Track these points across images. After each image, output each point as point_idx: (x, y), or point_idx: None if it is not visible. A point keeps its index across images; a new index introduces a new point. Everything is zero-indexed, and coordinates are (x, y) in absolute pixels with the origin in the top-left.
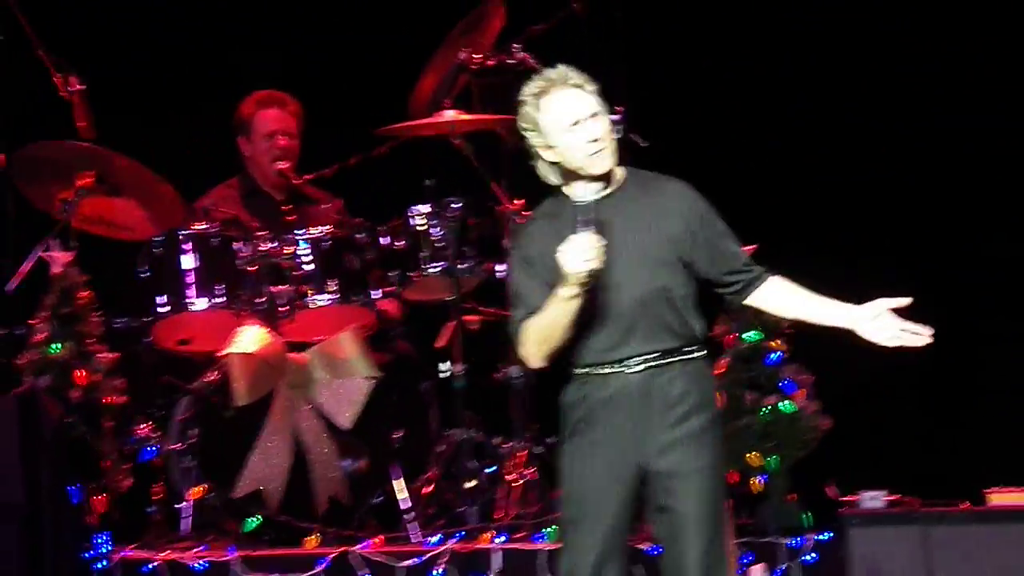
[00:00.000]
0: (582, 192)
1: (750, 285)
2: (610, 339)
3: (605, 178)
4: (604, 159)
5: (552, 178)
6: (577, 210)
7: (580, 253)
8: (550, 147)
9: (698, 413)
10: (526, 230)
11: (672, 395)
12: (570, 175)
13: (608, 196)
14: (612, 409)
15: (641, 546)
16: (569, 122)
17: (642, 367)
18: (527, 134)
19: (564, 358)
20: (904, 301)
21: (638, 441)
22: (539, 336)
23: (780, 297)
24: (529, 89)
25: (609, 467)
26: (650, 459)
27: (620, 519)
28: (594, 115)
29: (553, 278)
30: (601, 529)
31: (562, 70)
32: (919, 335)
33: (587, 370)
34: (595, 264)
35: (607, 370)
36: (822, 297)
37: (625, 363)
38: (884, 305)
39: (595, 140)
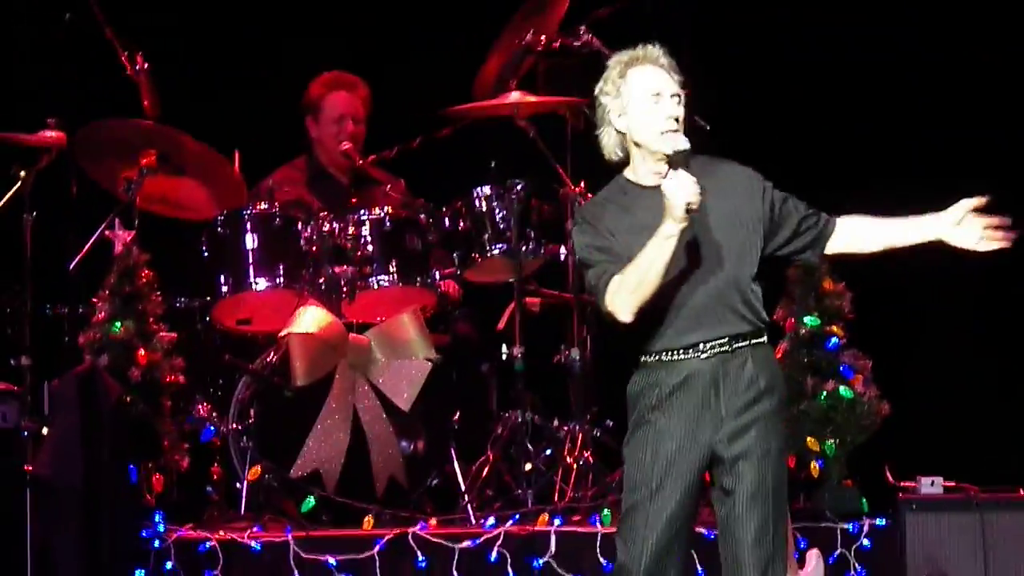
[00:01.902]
0: (673, 142)
1: (822, 234)
2: (682, 325)
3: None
4: (676, 140)
5: (614, 150)
6: (675, 156)
7: (684, 187)
8: (624, 114)
9: (768, 397)
10: (593, 211)
11: (743, 379)
12: (633, 151)
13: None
14: (685, 394)
15: (699, 529)
16: (652, 92)
17: (713, 352)
18: (603, 98)
19: (633, 345)
20: (982, 200)
21: (710, 425)
22: (634, 282)
23: (859, 233)
24: (619, 57)
25: (681, 452)
26: (721, 443)
27: (688, 505)
28: (676, 96)
29: (624, 248)
30: (668, 513)
31: (655, 49)
32: (1003, 231)
33: (658, 357)
34: (696, 200)
35: (679, 356)
36: (897, 218)
37: (697, 349)
38: (965, 206)
39: (673, 118)
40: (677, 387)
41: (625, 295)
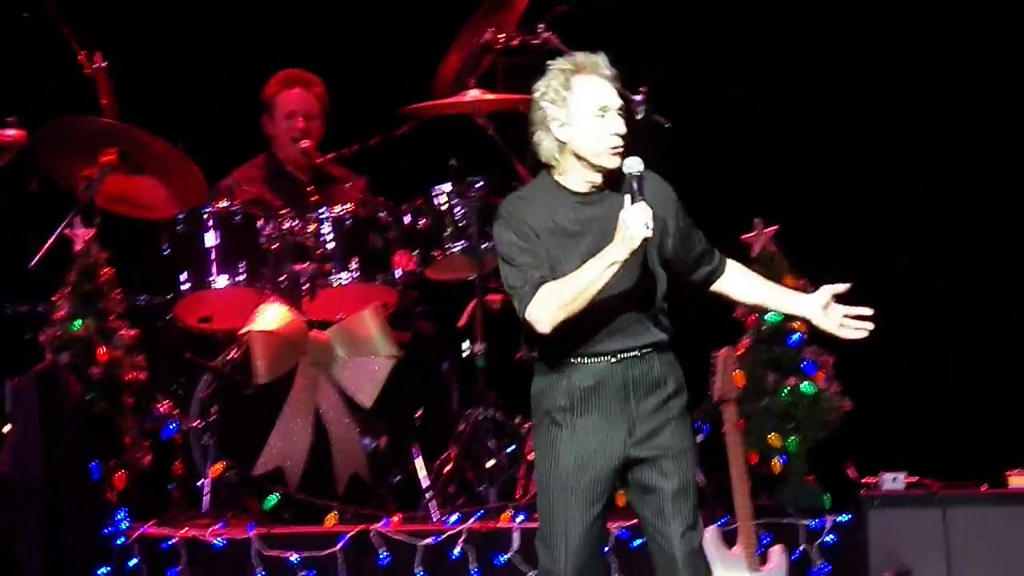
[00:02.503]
0: (631, 164)
1: (714, 273)
2: (599, 334)
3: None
4: (630, 163)
5: (552, 153)
6: (631, 179)
7: (643, 218)
8: (567, 125)
9: (677, 397)
10: (517, 207)
11: (651, 382)
12: (569, 159)
13: (600, 192)
14: (598, 397)
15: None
16: (599, 107)
17: (622, 358)
18: (544, 102)
19: (543, 348)
20: (843, 287)
21: (624, 427)
22: (565, 300)
23: (739, 285)
24: (563, 63)
25: (596, 453)
26: (636, 445)
27: (605, 504)
28: (620, 110)
29: (550, 252)
30: (588, 514)
31: (599, 58)
32: (861, 321)
33: (569, 359)
34: (650, 232)
35: (590, 361)
36: (775, 285)
37: (609, 355)
38: (829, 291)
39: (618, 135)
40: (589, 390)
41: (554, 309)
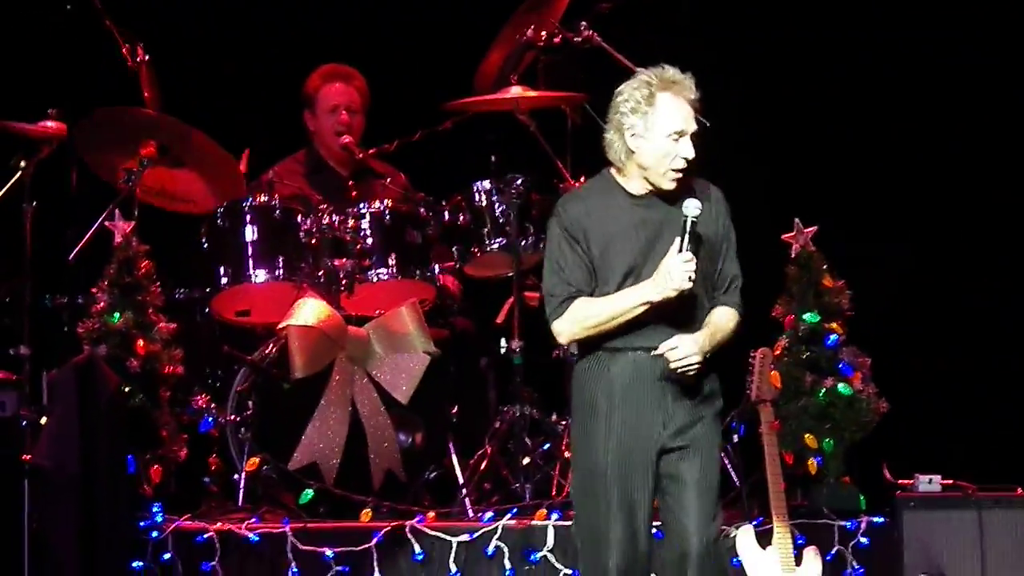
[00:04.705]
0: (690, 207)
1: (720, 303)
2: (641, 326)
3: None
4: (677, 181)
5: (619, 156)
6: (686, 222)
7: (686, 271)
8: (640, 137)
9: (712, 399)
10: (576, 206)
11: (687, 378)
12: (632, 166)
13: (656, 195)
14: (637, 389)
15: None
16: (675, 131)
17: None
18: (624, 108)
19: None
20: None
21: (660, 418)
22: (590, 323)
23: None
24: (652, 76)
25: (635, 442)
26: (670, 435)
27: (648, 494)
28: (694, 135)
29: (595, 258)
30: (632, 502)
31: (687, 80)
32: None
33: (613, 351)
34: (690, 284)
35: (632, 353)
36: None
37: (651, 349)
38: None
39: (685, 160)
40: (629, 382)
41: (578, 328)
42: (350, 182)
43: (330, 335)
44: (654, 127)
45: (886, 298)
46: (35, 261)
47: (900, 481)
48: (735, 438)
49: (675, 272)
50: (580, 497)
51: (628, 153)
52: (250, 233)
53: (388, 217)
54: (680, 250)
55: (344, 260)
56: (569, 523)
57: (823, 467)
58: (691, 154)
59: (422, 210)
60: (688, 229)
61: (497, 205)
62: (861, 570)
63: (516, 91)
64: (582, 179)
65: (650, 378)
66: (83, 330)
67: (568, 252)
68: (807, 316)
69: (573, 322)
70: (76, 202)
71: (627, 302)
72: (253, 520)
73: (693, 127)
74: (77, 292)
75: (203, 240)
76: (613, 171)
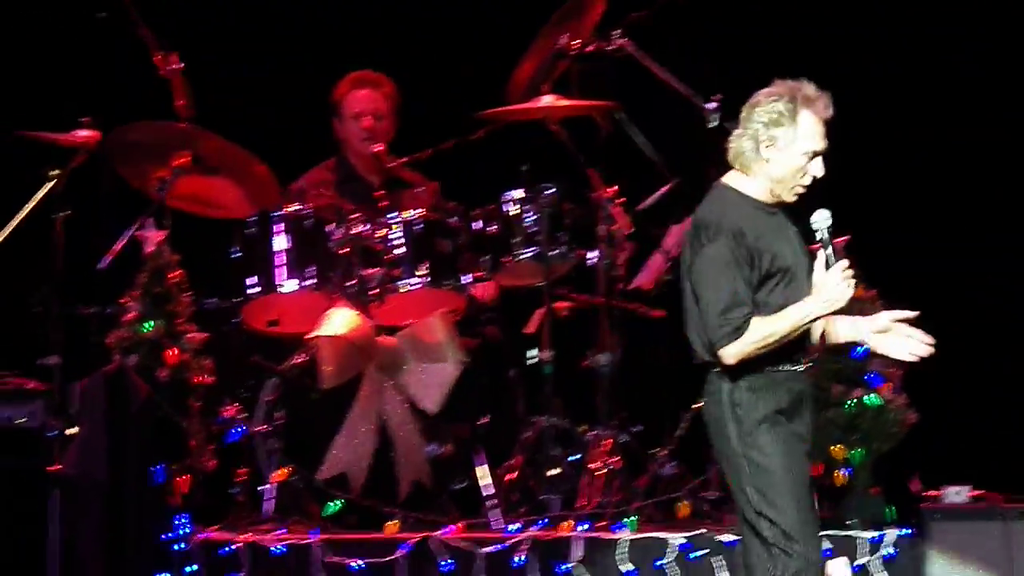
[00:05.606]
0: (819, 219)
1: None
2: (802, 342)
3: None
4: (797, 196)
5: (748, 163)
6: (824, 233)
7: (845, 282)
8: (776, 148)
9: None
10: (737, 221)
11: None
12: (759, 173)
13: (779, 204)
14: (802, 403)
15: (721, 537)
16: (813, 149)
17: (807, 366)
18: (763, 117)
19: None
20: (910, 314)
21: (808, 431)
22: (767, 342)
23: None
24: (796, 90)
25: (806, 453)
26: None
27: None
28: (825, 157)
29: (764, 272)
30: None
31: (828, 100)
32: (922, 346)
33: (784, 368)
34: (852, 291)
35: (795, 368)
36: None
37: (799, 364)
38: (888, 317)
39: (812, 178)
40: (798, 396)
41: (751, 349)
42: (380, 191)
43: (360, 345)
44: (793, 144)
45: (918, 308)
46: (66, 270)
47: (929, 492)
48: None
49: (834, 286)
50: (783, 504)
51: (759, 162)
52: (281, 242)
53: (419, 226)
54: (829, 264)
55: (374, 269)
56: (597, 534)
57: (852, 478)
58: (822, 173)
59: (453, 219)
60: (830, 243)
61: (528, 214)
62: None
63: (548, 100)
64: (614, 188)
65: (806, 392)
66: (113, 340)
67: (741, 273)
68: None
69: (749, 343)
70: (108, 211)
71: (796, 320)
72: (280, 531)
73: (825, 147)
74: (107, 302)
75: (234, 249)
76: (726, 180)
